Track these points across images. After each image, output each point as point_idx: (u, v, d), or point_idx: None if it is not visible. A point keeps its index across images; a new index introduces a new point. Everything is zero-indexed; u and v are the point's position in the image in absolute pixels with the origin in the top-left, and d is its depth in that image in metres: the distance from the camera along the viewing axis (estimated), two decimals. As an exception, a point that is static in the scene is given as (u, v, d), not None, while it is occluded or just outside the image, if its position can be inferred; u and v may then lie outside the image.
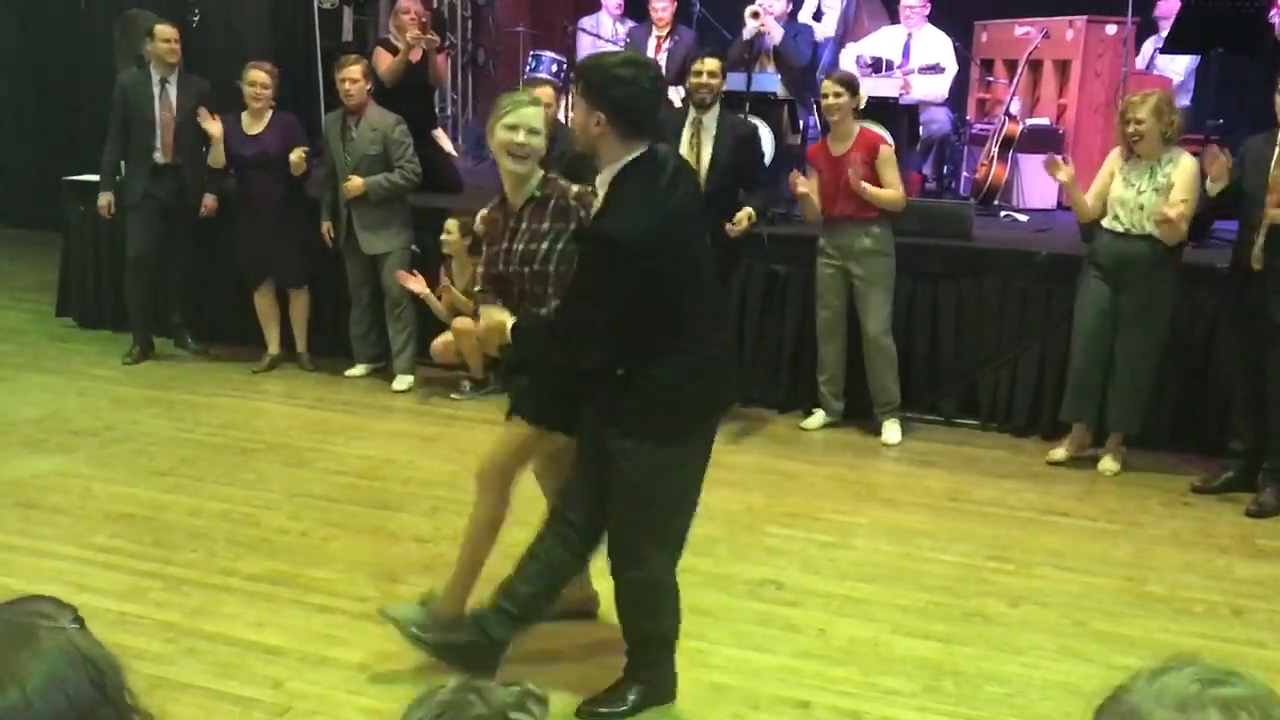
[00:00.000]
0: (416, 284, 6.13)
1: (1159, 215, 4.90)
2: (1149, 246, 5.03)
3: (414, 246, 6.47)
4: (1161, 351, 5.22)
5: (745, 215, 5.36)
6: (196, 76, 6.75)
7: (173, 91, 6.52)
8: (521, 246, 3.28)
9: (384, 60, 7.18)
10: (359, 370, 6.65)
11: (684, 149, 5.46)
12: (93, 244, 7.46)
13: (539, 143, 3.30)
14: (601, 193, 3.02)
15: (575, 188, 3.34)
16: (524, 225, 3.32)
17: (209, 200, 6.66)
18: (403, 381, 6.45)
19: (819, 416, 5.91)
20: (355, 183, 6.16)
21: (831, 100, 5.43)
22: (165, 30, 6.54)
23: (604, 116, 2.92)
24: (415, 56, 7.18)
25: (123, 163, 6.70)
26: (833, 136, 5.59)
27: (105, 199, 6.67)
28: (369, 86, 6.27)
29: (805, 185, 5.50)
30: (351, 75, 6.14)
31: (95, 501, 4.78)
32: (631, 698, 3.30)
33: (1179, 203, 4.89)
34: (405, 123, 6.32)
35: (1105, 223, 5.15)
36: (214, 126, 6.28)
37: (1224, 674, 1.12)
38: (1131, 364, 5.17)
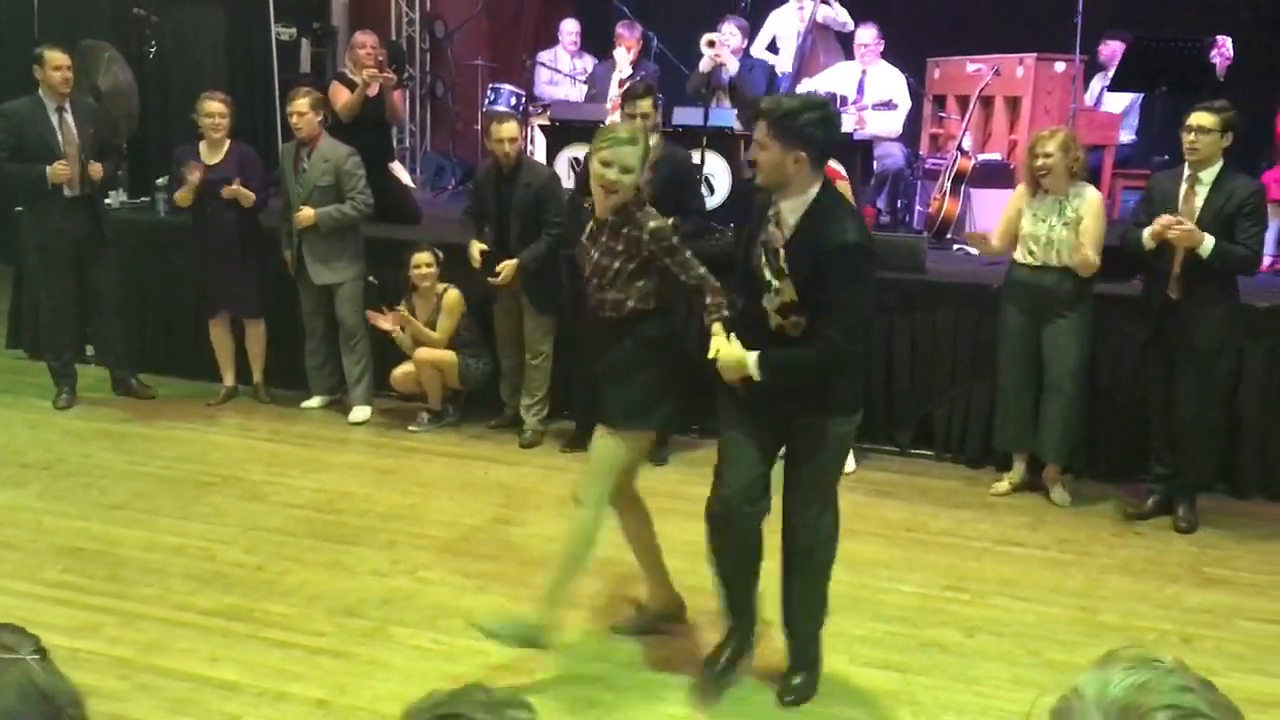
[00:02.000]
0: (386, 321, 6.12)
1: (1078, 254, 5.08)
2: (1063, 279, 5.18)
3: (372, 278, 6.47)
4: (1085, 380, 5.35)
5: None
6: (82, 98, 6.45)
7: (70, 120, 6.15)
8: (597, 256, 3.58)
9: (340, 95, 7.19)
10: (315, 402, 6.61)
11: None
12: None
13: (630, 180, 3.50)
14: (792, 220, 3.27)
15: (652, 226, 3.51)
16: (603, 238, 3.58)
17: (94, 167, 6.14)
18: (359, 413, 6.42)
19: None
20: (306, 213, 6.14)
21: None
22: (57, 57, 6.03)
23: (804, 154, 3.19)
24: (372, 91, 7.21)
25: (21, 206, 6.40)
26: None
27: (52, 169, 5.99)
28: (319, 118, 6.24)
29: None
30: (299, 109, 6.12)
31: (46, 536, 4.71)
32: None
33: (1089, 239, 5.10)
34: (359, 154, 6.32)
35: (1018, 257, 5.31)
36: (197, 174, 6.14)
37: (1172, 695, 1.06)
38: (1056, 395, 5.29)
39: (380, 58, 7.44)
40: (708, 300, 3.49)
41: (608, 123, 5.76)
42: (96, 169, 6.18)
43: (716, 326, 3.41)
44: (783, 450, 3.52)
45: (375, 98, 7.25)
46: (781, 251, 3.29)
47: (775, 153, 3.20)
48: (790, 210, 3.28)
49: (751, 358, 3.28)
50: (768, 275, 3.32)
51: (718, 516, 3.51)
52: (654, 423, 3.65)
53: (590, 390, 3.78)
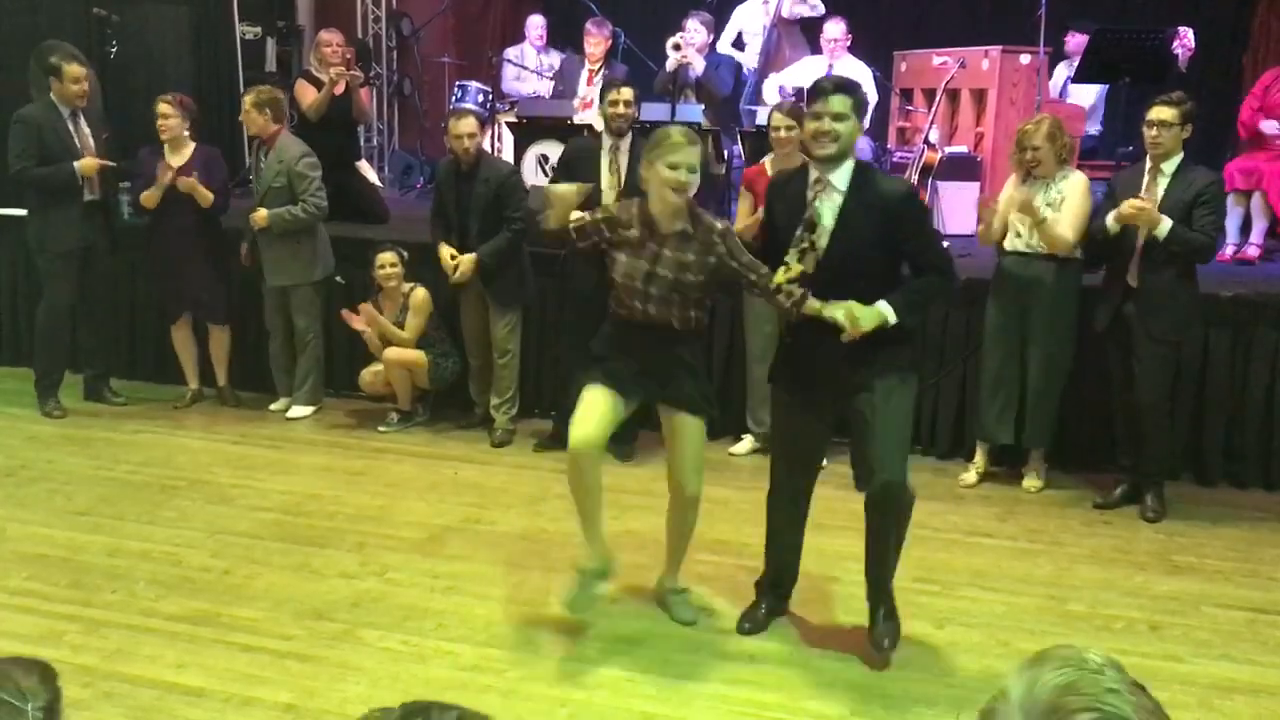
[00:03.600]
0: (359, 322, 6.08)
1: (1047, 235, 5.11)
2: (1051, 266, 5.24)
3: (339, 278, 6.42)
4: (1068, 366, 5.40)
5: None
6: (92, 104, 6.40)
7: (84, 125, 6.21)
8: (670, 274, 3.66)
9: (307, 93, 7.13)
10: (282, 404, 6.55)
11: (604, 172, 5.53)
12: (6, 281, 7.28)
13: (696, 178, 3.65)
14: (842, 186, 3.58)
15: (720, 224, 3.72)
16: (668, 253, 3.66)
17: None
18: (297, 411, 6.41)
19: (747, 443, 5.95)
20: (260, 214, 6.11)
21: (784, 134, 5.45)
22: (76, 70, 6.04)
23: (863, 123, 3.65)
24: (339, 90, 7.16)
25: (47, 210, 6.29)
26: (776, 164, 5.63)
27: (83, 163, 6.07)
28: (265, 116, 6.12)
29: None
30: (244, 107, 6.15)
31: (9, 543, 4.65)
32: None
33: (1067, 219, 5.15)
34: (328, 154, 6.27)
35: (1008, 244, 5.36)
36: (169, 175, 6.09)
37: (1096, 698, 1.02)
38: (1041, 380, 5.35)
39: (346, 56, 7.39)
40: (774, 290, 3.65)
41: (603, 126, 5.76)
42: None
43: (814, 304, 3.52)
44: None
45: (342, 96, 7.21)
46: (829, 227, 3.55)
47: (853, 121, 3.56)
48: (839, 178, 3.58)
49: (883, 306, 3.51)
50: (792, 250, 3.56)
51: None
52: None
53: (645, 380, 3.82)
